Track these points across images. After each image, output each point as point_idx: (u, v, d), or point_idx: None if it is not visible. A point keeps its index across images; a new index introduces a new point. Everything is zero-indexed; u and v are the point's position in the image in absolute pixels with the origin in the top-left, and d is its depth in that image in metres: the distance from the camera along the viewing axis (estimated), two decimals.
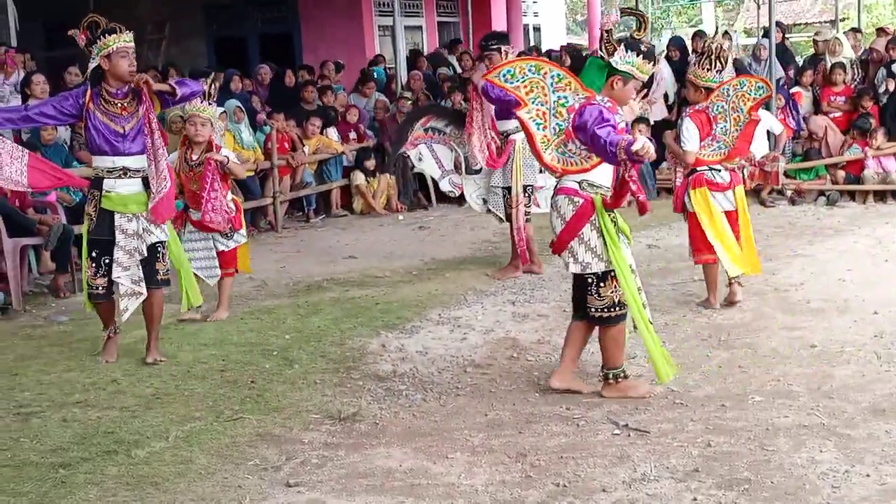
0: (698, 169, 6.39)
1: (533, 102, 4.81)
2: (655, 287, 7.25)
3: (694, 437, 4.42)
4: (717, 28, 10.26)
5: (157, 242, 5.73)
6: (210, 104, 6.53)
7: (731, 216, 6.48)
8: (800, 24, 27.08)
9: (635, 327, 4.91)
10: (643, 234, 9.19)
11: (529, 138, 4.87)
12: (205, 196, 6.40)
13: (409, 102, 12.10)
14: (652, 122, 11.63)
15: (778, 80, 11.17)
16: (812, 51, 13.50)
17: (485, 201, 7.99)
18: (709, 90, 6.30)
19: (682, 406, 4.83)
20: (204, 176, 6.43)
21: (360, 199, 11.51)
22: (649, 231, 9.30)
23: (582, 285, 4.94)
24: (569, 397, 4.98)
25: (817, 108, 11.60)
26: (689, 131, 6.30)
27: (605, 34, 4.89)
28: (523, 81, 4.81)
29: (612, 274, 4.82)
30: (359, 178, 11.45)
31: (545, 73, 4.82)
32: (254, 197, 10.34)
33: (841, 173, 10.93)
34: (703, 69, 6.30)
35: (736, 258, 6.36)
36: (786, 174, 10.85)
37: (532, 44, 19.01)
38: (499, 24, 17.27)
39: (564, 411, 4.82)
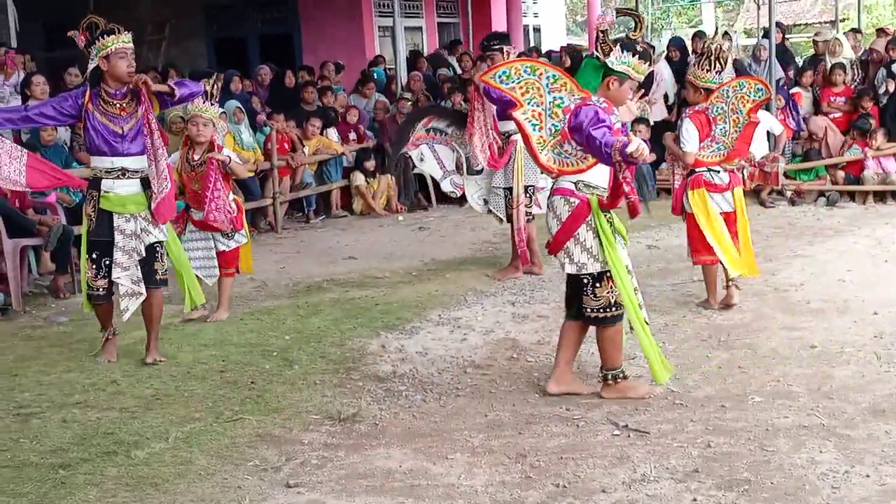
0: (697, 170, 6.39)
1: (529, 103, 4.81)
2: (655, 288, 7.25)
3: (694, 438, 4.42)
4: (716, 29, 10.27)
5: (156, 242, 5.74)
6: (212, 104, 6.55)
7: (730, 217, 6.47)
8: (800, 25, 27.08)
9: (632, 328, 4.91)
10: (643, 235, 9.20)
11: (525, 139, 4.88)
12: (208, 195, 6.43)
13: (409, 103, 12.10)
14: (652, 123, 11.63)
15: (778, 81, 11.17)
16: (812, 51, 13.51)
17: (486, 202, 7.98)
18: (708, 91, 6.30)
19: (681, 407, 4.83)
20: (207, 175, 6.45)
21: (360, 199, 11.51)
22: (649, 232, 9.30)
23: (577, 286, 4.93)
24: (568, 398, 4.98)
25: (817, 109, 11.60)
26: (689, 132, 6.30)
27: (601, 34, 4.89)
28: (519, 82, 4.81)
29: (608, 274, 4.82)
30: (359, 178, 11.45)
31: (540, 74, 4.81)
32: (254, 198, 10.33)
33: (840, 174, 10.93)
34: (702, 70, 6.30)
35: (733, 259, 6.36)
36: (786, 175, 10.86)
37: (532, 45, 19.01)
38: (499, 24, 17.28)
39: (564, 412, 4.82)
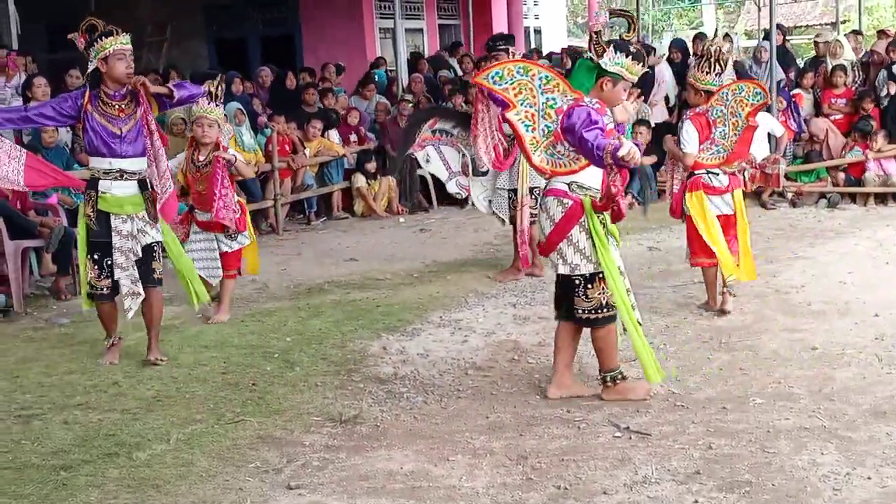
0: (696, 172, 6.39)
1: (522, 104, 4.81)
2: (656, 289, 7.25)
3: (695, 440, 4.42)
4: (716, 30, 10.26)
5: (153, 243, 5.76)
6: (217, 105, 6.58)
7: (730, 220, 6.46)
8: (800, 27, 27.08)
9: (625, 329, 4.91)
10: (644, 237, 9.20)
11: (519, 140, 4.87)
12: (216, 193, 6.47)
13: (410, 105, 12.11)
14: (653, 125, 11.63)
15: (779, 83, 11.18)
16: (813, 53, 13.51)
17: (491, 203, 7.99)
18: (709, 93, 6.30)
19: (683, 408, 4.83)
20: (214, 174, 6.49)
21: (361, 201, 11.51)
22: (650, 233, 9.30)
23: (569, 286, 4.92)
24: (570, 400, 4.98)
25: (818, 111, 11.59)
26: (689, 134, 6.31)
27: (595, 35, 4.89)
28: (512, 83, 4.81)
29: (600, 276, 4.82)
30: (360, 180, 11.45)
31: (533, 75, 4.81)
32: (255, 199, 10.33)
33: (841, 175, 10.92)
34: (702, 72, 6.30)
35: (727, 262, 6.34)
36: (787, 176, 10.86)
37: (533, 46, 19.02)
38: (499, 26, 17.29)
39: (565, 414, 4.82)
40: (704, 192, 6.37)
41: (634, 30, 5.08)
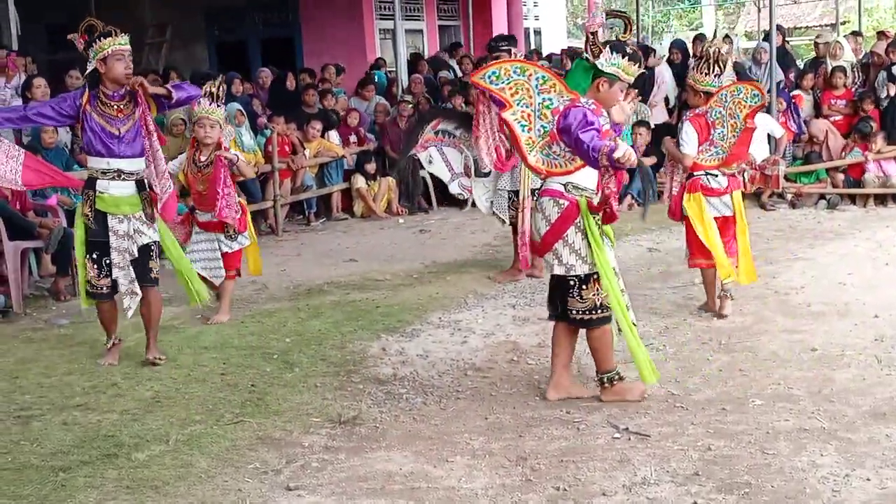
0: (695, 173, 6.39)
1: (518, 104, 4.81)
2: (656, 291, 7.26)
3: (694, 441, 4.42)
4: (715, 32, 10.26)
5: (150, 243, 5.77)
6: (218, 106, 6.60)
7: (728, 221, 6.46)
8: (800, 28, 27.10)
9: (619, 330, 4.90)
10: (643, 238, 9.20)
11: (514, 140, 4.88)
12: (219, 192, 6.50)
13: (410, 106, 12.11)
14: (652, 126, 11.63)
15: (778, 84, 11.18)
16: (813, 54, 13.51)
17: (492, 203, 7.99)
18: (708, 94, 6.30)
19: (682, 409, 4.83)
20: (216, 173, 6.53)
21: (361, 202, 11.51)
22: (650, 234, 9.30)
23: (563, 287, 4.91)
24: (569, 401, 4.98)
25: (818, 112, 11.60)
26: (688, 134, 6.31)
27: (591, 36, 4.89)
28: (508, 83, 4.81)
29: (595, 276, 4.82)
30: (359, 181, 11.45)
31: (530, 75, 4.81)
32: (254, 200, 10.33)
33: (841, 177, 10.93)
34: (701, 73, 6.30)
35: (724, 265, 6.33)
36: (786, 177, 10.85)
37: (532, 47, 19.03)
38: (499, 27, 17.28)
39: (565, 415, 4.82)
40: (703, 194, 6.37)
41: (630, 31, 5.08)
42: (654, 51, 13.90)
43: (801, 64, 13.69)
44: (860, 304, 6.58)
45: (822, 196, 10.94)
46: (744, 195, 6.70)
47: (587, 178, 4.81)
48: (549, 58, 14.93)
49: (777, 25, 12.03)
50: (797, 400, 4.89)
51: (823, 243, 8.85)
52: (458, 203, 10.37)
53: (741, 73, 10.87)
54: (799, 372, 5.32)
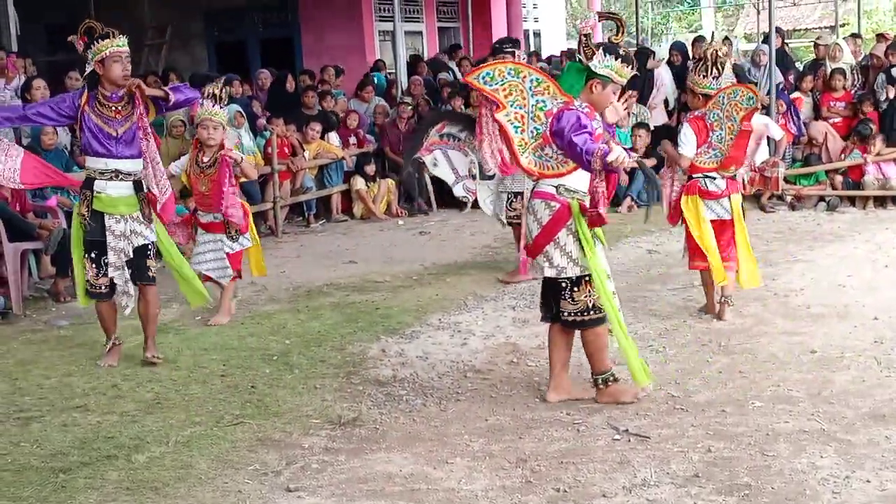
0: (694, 176, 6.39)
1: (511, 105, 4.81)
2: (655, 292, 7.26)
3: (694, 443, 4.42)
4: (713, 34, 10.28)
5: (147, 243, 5.77)
6: (221, 108, 6.62)
7: (726, 225, 6.44)
8: (800, 30, 27.11)
9: (611, 332, 4.90)
10: (643, 240, 9.21)
11: (507, 141, 4.87)
12: (224, 191, 6.54)
13: (410, 108, 12.12)
14: (652, 128, 11.64)
15: (778, 86, 11.19)
16: (812, 56, 13.52)
17: (495, 205, 7.99)
18: (707, 96, 6.30)
19: (682, 411, 4.83)
20: (221, 173, 6.56)
21: (361, 203, 11.51)
22: (649, 236, 9.30)
23: (555, 289, 4.92)
24: (569, 402, 4.98)
25: (817, 114, 11.60)
26: (687, 136, 6.31)
27: (584, 38, 4.88)
28: (502, 84, 4.81)
29: (587, 278, 4.81)
30: (359, 182, 11.45)
31: (524, 77, 4.81)
32: (254, 202, 10.33)
33: (840, 179, 10.93)
34: (699, 76, 6.31)
35: (719, 269, 6.31)
36: (786, 179, 10.84)
37: (532, 49, 19.03)
38: (499, 29, 17.30)
39: (565, 416, 4.82)
40: (701, 197, 6.36)
41: (623, 33, 5.07)
42: (654, 53, 13.90)
43: (800, 66, 13.70)
44: (860, 306, 6.59)
45: (821, 198, 10.95)
46: (743, 197, 6.69)
47: (579, 180, 4.81)
48: (549, 59, 14.96)
49: (776, 28, 12.04)
50: (797, 402, 4.89)
51: (823, 245, 8.85)
52: (457, 205, 10.37)
53: (740, 76, 10.88)
54: (798, 374, 5.32)
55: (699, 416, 4.75)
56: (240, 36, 16.09)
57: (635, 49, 13.97)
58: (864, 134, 10.81)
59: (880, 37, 13.39)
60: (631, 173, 10.98)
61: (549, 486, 4.04)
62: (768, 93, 10.94)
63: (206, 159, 6.66)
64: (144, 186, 5.71)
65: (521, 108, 4.81)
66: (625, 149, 4.85)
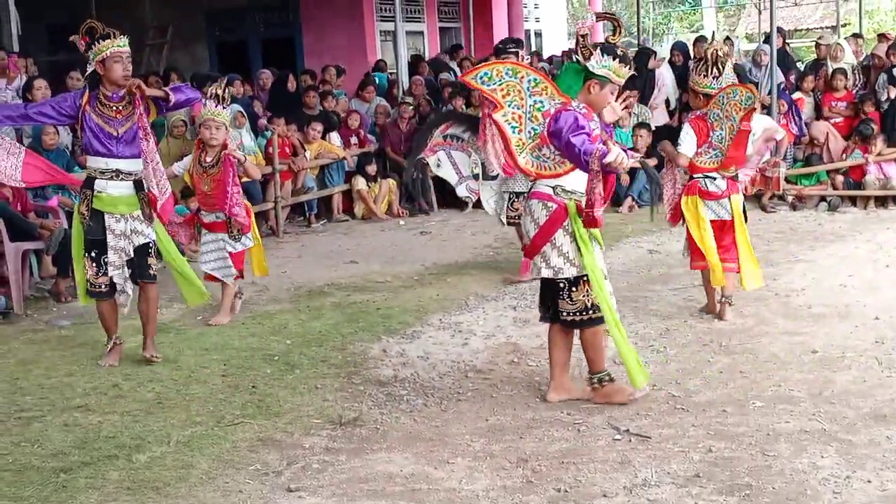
0: (694, 176, 6.38)
1: (509, 105, 4.81)
2: (656, 292, 7.26)
3: (695, 443, 4.42)
4: (714, 34, 10.27)
5: (148, 242, 5.78)
6: (224, 108, 6.63)
7: (726, 225, 6.44)
8: (801, 30, 27.10)
9: (608, 332, 4.90)
10: (644, 240, 9.21)
11: (504, 141, 4.87)
12: (228, 191, 6.57)
13: (411, 108, 12.12)
14: (653, 128, 11.63)
15: (779, 86, 11.18)
16: (813, 56, 13.51)
17: (497, 205, 7.99)
18: (707, 96, 6.30)
19: (683, 411, 4.83)
20: (225, 172, 6.59)
21: (362, 203, 11.51)
22: (650, 236, 9.30)
23: (553, 289, 4.92)
24: (570, 402, 4.98)
25: (818, 114, 11.60)
26: (687, 135, 6.31)
27: (581, 39, 4.88)
28: (500, 84, 4.81)
29: (584, 278, 4.81)
30: (360, 183, 11.45)
31: (522, 77, 4.81)
32: (255, 202, 10.33)
33: (841, 178, 10.92)
34: (700, 75, 6.31)
35: (717, 270, 6.31)
36: (787, 179, 10.85)
37: (533, 49, 19.03)
38: (500, 29, 17.30)
39: (565, 416, 4.82)
40: (701, 198, 6.36)
41: (620, 33, 5.07)
42: (655, 53, 13.90)
43: (801, 66, 13.69)
44: (861, 306, 6.58)
45: (822, 198, 10.94)
46: (745, 197, 6.68)
47: (576, 181, 4.80)
48: (551, 60, 14.95)
49: (778, 28, 12.03)
50: (798, 402, 4.89)
51: (824, 245, 8.85)
52: (458, 205, 10.37)
53: (741, 76, 10.87)
54: (799, 374, 5.32)
55: (700, 415, 4.75)
56: (241, 36, 16.10)
57: (637, 49, 13.98)
58: (866, 134, 10.80)
59: (882, 37, 13.38)
60: (632, 173, 10.98)
61: (550, 486, 4.04)
62: (769, 93, 10.93)
63: (208, 159, 6.68)
64: (145, 186, 5.72)
65: (518, 108, 4.81)
66: (626, 149, 4.85)
